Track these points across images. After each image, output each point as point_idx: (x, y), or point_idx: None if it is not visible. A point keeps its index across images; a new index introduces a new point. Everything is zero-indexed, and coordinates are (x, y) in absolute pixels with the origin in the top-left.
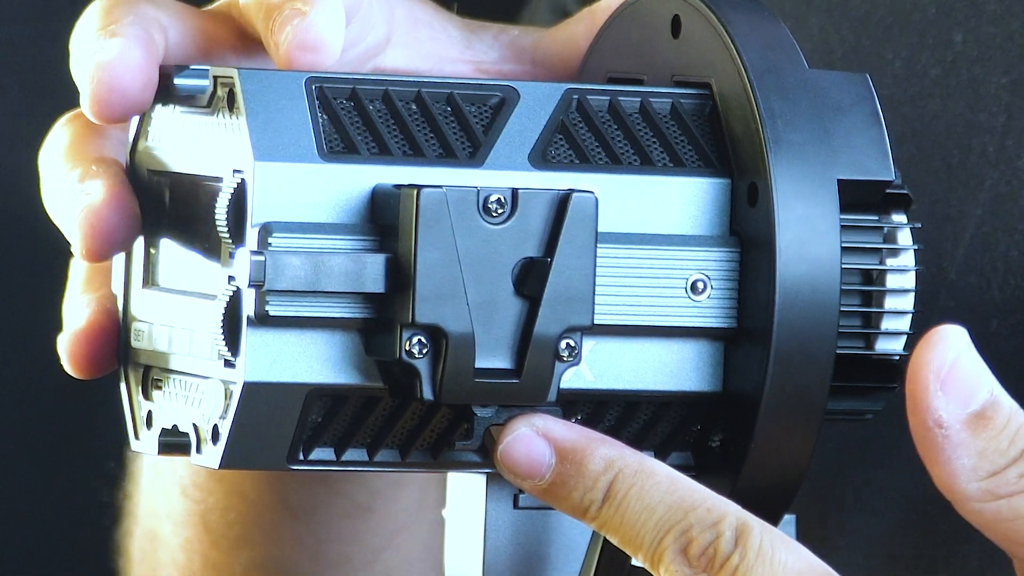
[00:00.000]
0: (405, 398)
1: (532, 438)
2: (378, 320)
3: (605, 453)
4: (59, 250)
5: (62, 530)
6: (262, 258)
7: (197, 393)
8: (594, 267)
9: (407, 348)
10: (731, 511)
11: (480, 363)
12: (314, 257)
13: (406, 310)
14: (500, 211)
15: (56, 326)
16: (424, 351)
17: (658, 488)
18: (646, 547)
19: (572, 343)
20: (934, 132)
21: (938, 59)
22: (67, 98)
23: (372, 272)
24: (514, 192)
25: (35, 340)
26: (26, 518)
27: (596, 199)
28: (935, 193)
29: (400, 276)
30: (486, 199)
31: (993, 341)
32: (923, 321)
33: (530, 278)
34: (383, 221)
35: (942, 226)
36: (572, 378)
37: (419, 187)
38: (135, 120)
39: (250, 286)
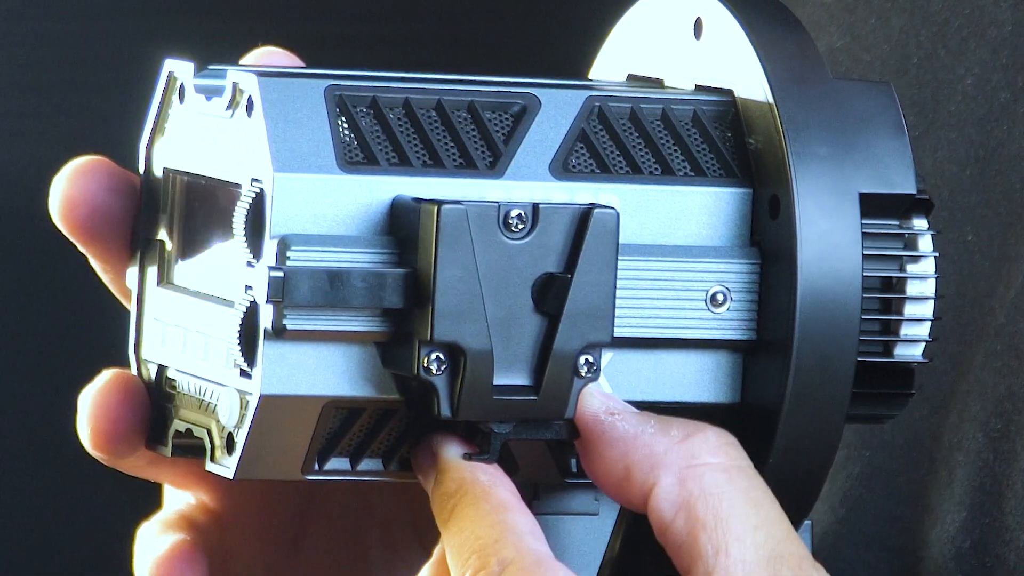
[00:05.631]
0: (422, 413)
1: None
2: (396, 334)
3: (457, 476)
4: (59, 249)
5: (65, 528)
6: (280, 274)
7: (212, 399)
8: (615, 283)
9: (425, 365)
10: (513, 551)
11: (498, 380)
12: (333, 272)
13: (425, 327)
14: (521, 226)
15: (55, 323)
16: (442, 368)
17: (479, 514)
18: (453, 571)
19: (591, 359)
20: (998, 161)
21: (1009, 82)
22: (67, 98)
23: (391, 288)
24: (535, 207)
25: (35, 337)
26: (28, 517)
27: (617, 214)
28: (993, 227)
29: (419, 292)
30: (507, 214)
31: None
32: (966, 355)
33: (550, 294)
34: (402, 234)
35: (997, 265)
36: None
37: (440, 202)
38: (152, 115)
39: (268, 302)
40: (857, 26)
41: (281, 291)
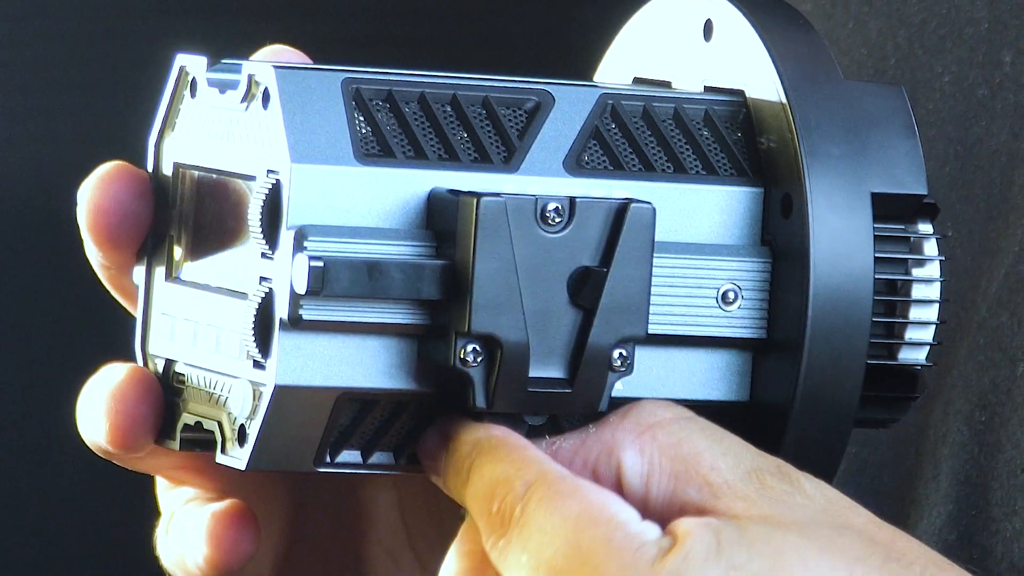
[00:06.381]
0: (457, 405)
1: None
2: (430, 326)
3: (469, 439)
4: (59, 247)
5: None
6: (321, 264)
7: (223, 391)
8: (650, 278)
9: (461, 356)
10: (535, 473)
11: (534, 372)
12: (372, 263)
13: (462, 319)
14: (558, 220)
15: (55, 323)
16: (478, 359)
17: (498, 459)
18: (479, 518)
19: (625, 353)
20: (977, 157)
21: (986, 79)
22: (67, 98)
23: (429, 279)
24: (571, 201)
25: (34, 336)
26: (29, 516)
27: (654, 209)
28: (973, 223)
29: (457, 284)
30: (544, 207)
31: (1019, 385)
32: (950, 350)
33: (586, 288)
34: (437, 226)
35: (979, 260)
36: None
37: (479, 195)
38: (162, 110)
39: (308, 293)
40: (835, 31)
41: (321, 281)
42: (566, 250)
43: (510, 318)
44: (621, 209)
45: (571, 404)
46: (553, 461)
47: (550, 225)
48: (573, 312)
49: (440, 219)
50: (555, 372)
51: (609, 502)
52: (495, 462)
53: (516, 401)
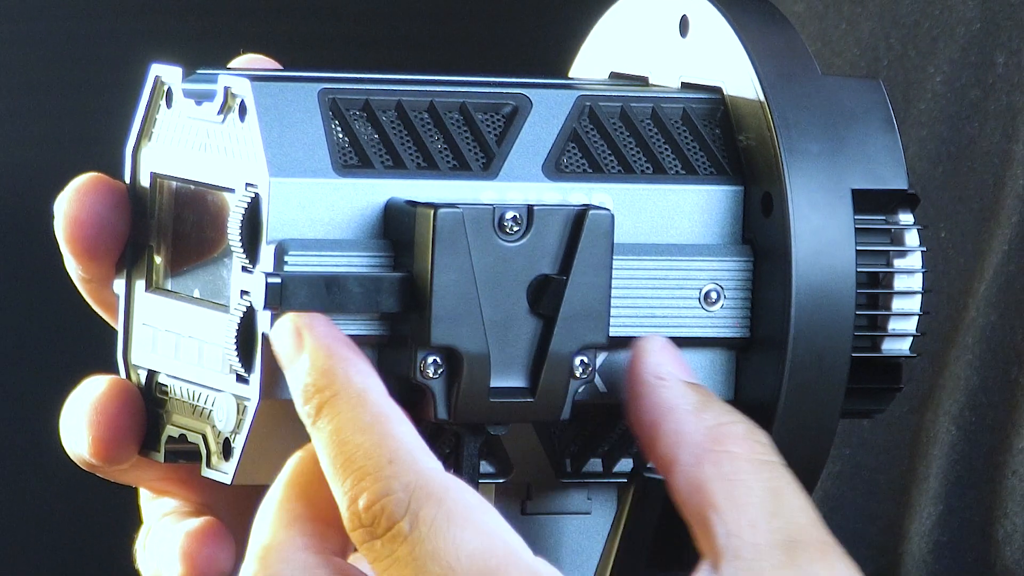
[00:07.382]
0: (419, 417)
1: (293, 330)
2: (392, 338)
3: (324, 367)
4: (39, 260)
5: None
6: (278, 280)
7: (206, 404)
8: (610, 285)
9: (422, 369)
10: (413, 473)
11: (495, 383)
12: (330, 278)
13: (422, 331)
14: (515, 228)
15: (54, 323)
16: (439, 371)
17: (360, 425)
18: (332, 482)
19: (587, 360)
20: (970, 157)
21: (979, 79)
22: (68, 98)
23: (388, 292)
24: (529, 209)
25: (15, 350)
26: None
27: (612, 216)
28: (966, 224)
29: (416, 296)
30: (501, 217)
31: (1009, 386)
32: (943, 352)
33: (546, 296)
34: (396, 237)
35: (972, 261)
36: (583, 388)
37: (436, 206)
38: (138, 120)
39: (266, 308)
40: (828, 32)
41: (279, 297)
42: (525, 259)
43: (470, 329)
44: (579, 216)
45: (533, 413)
46: (422, 449)
47: (508, 234)
48: (533, 321)
49: (398, 230)
50: (517, 382)
51: (506, 535)
52: (356, 426)
53: (478, 412)
